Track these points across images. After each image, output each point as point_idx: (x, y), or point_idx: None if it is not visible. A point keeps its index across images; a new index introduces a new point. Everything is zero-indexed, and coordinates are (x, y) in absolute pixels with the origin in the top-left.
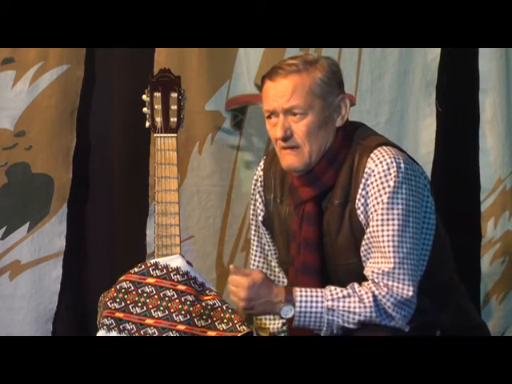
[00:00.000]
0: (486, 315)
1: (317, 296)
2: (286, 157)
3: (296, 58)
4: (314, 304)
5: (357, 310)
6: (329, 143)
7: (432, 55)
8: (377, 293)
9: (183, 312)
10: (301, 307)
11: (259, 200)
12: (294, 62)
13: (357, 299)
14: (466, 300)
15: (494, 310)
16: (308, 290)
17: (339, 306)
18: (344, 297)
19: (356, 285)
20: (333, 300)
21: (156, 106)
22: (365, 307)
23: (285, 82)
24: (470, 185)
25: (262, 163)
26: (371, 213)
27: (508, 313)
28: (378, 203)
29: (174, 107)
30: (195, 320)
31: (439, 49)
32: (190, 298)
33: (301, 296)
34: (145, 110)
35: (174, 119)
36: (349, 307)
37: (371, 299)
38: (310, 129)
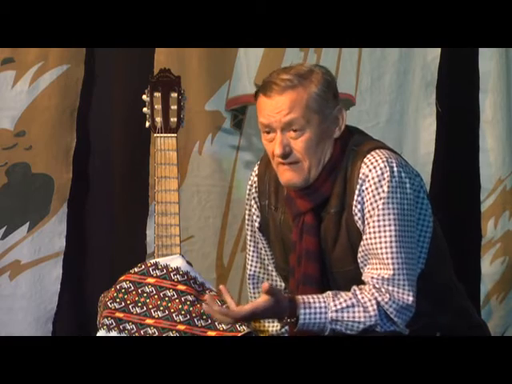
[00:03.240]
0: (486, 315)
1: (320, 307)
2: (285, 173)
3: (289, 70)
4: (317, 315)
5: (362, 319)
6: (328, 155)
7: (432, 55)
8: (380, 299)
9: (183, 312)
10: (305, 319)
11: (254, 206)
12: (288, 78)
13: (361, 309)
14: (465, 300)
15: (494, 309)
16: (311, 300)
17: (343, 316)
18: (348, 307)
19: (358, 291)
20: (337, 311)
21: (156, 106)
22: (370, 316)
23: (281, 98)
24: (470, 185)
25: (255, 168)
26: (367, 219)
27: (508, 313)
28: (373, 209)
29: (174, 107)
30: (195, 320)
31: (439, 49)
32: (190, 297)
33: (304, 308)
34: (145, 110)
35: (174, 119)
36: (353, 317)
37: (375, 307)
38: (308, 144)
